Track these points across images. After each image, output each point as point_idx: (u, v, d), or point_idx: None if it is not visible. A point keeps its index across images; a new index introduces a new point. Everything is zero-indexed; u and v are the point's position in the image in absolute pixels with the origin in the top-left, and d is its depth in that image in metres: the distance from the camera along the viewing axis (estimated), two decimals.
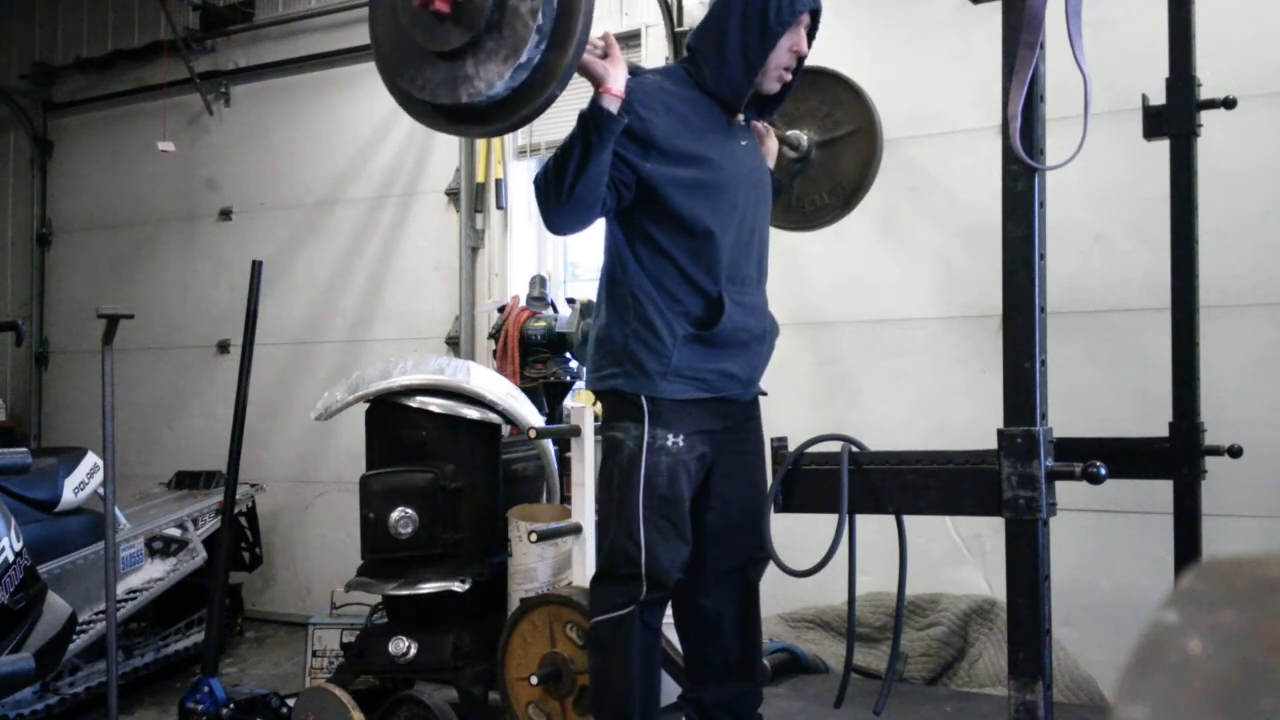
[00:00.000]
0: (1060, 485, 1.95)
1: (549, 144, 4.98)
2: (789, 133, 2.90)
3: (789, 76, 2.51)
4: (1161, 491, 2.91)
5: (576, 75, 2.08)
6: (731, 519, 2.55)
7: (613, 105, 2.20)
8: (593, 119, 2.18)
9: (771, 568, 2.42)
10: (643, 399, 2.40)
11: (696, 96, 2.46)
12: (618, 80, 2.21)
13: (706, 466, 2.51)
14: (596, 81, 2.20)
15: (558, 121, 4.95)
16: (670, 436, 2.40)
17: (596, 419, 2.87)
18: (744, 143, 2.54)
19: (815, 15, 2.48)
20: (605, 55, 2.23)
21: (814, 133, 2.94)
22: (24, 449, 2.50)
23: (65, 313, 6.36)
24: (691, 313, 2.41)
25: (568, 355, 4.27)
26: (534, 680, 2.82)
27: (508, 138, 4.98)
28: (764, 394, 2.65)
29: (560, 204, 2.27)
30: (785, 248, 4.37)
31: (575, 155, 2.19)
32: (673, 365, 2.39)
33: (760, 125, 2.69)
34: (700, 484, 2.51)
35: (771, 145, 2.77)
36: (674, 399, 2.40)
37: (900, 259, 4.13)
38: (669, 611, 2.59)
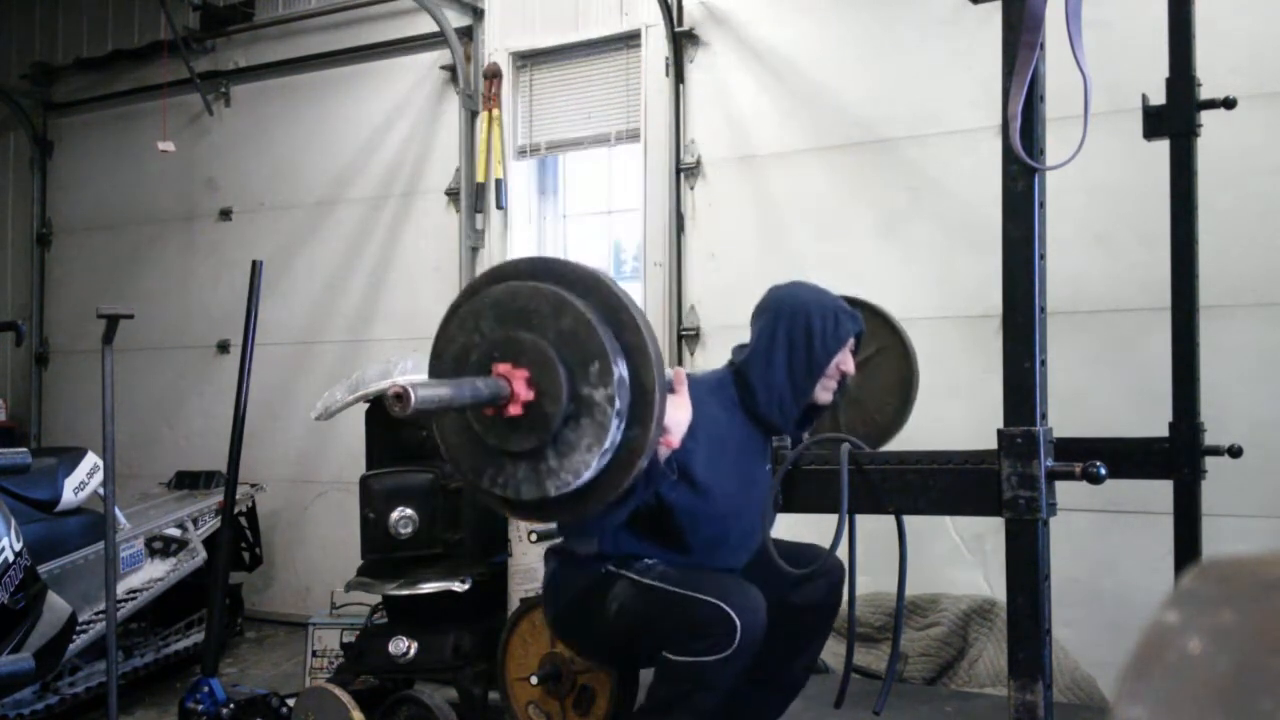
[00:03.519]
0: (1060, 485, 1.95)
1: (549, 144, 4.99)
2: None
3: (834, 386, 2.53)
4: (1161, 491, 2.91)
5: None
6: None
7: (665, 453, 2.16)
8: (646, 470, 2.07)
9: None
10: (607, 570, 2.40)
11: (740, 422, 2.47)
12: (679, 431, 2.16)
13: None
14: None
15: (560, 120, 4.96)
16: (648, 560, 2.40)
17: None
18: (769, 466, 2.52)
19: (859, 336, 2.52)
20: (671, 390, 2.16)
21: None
22: (24, 449, 2.50)
23: (65, 313, 6.36)
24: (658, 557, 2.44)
25: None
26: (534, 680, 2.82)
27: (507, 137, 4.98)
28: None
29: (583, 530, 2.33)
30: (787, 248, 4.38)
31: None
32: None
33: None
34: None
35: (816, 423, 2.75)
36: (637, 557, 2.42)
37: (900, 259, 4.13)
38: None
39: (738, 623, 2.22)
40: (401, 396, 1.51)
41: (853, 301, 2.74)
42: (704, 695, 2.29)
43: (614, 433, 1.75)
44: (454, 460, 1.90)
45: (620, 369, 1.73)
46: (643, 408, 1.77)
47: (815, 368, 2.43)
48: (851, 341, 2.48)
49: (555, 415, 1.73)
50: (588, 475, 1.77)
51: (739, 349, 2.56)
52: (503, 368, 1.72)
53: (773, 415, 2.45)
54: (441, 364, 1.83)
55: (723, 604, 2.24)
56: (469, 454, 1.86)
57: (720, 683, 2.28)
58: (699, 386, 2.33)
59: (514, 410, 1.73)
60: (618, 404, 1.73)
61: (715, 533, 2.41)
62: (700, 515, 2.37)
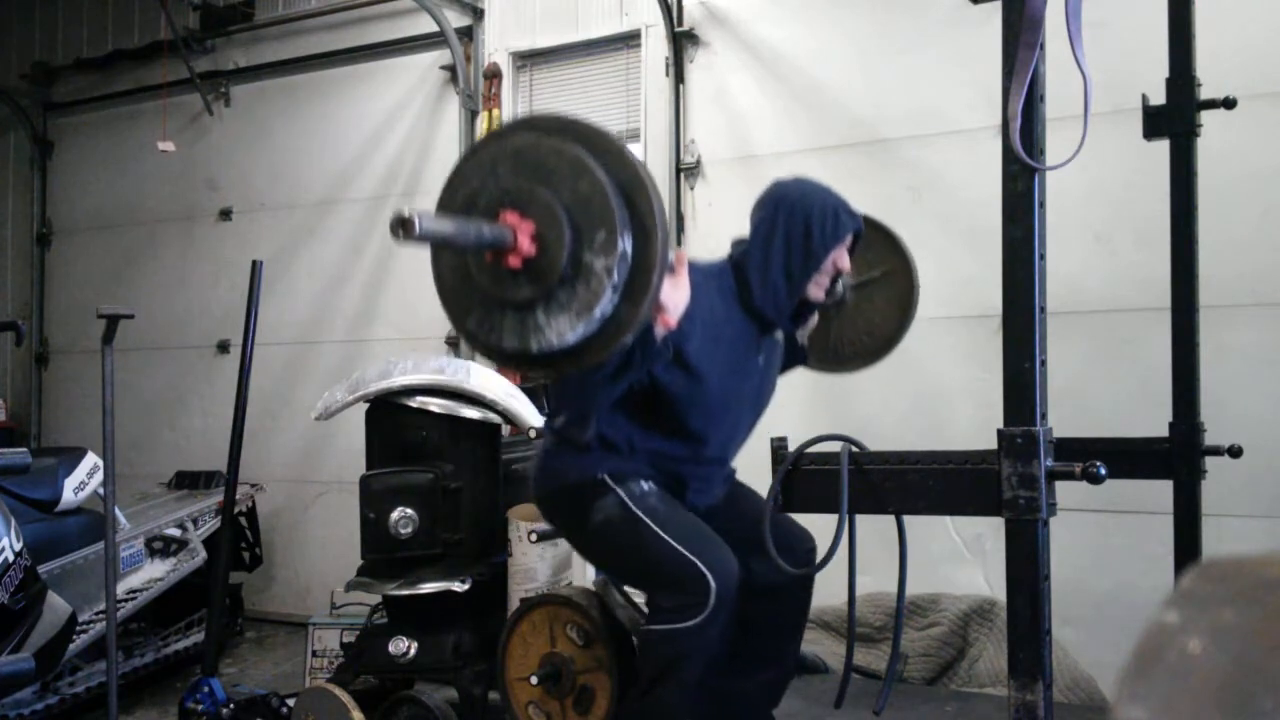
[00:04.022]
0: (1060, 485, 1.95)
1: None
2: None
3: (827, 283, 2.55)
4: (1161, 491, 2.91)
5: None
6: (728, 499, 2.62)
7: (661, 332, 2.16)
8: (640, 343, 2.12)
9: None
10: (601, 475, 2.43)
11: (736, 314, 2.48)
12: (676, 311, 2.14)
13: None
14: (657, 306, 2.10)
15: None
16: (644, 483, 2.43)
17: None
18: (762, 362, 2.55)
19: (858, 234, 2.52)
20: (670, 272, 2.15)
21: (849, 275, 2.88)
22: (24, 449, 2.50)
23: (65, 313, 6.36)
24: (651, 473, 2.47)
25: None
26: (534, 680, 2.82)
27: None
28: None
29: (579, 400, 2.33)
30: None
31: (611, 365, 2.16)
32: (628, 464, 2.45)
33: None
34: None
35: (811, 322, 2.76)
36: (630, 469, 2.45)
37: None
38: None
39: (712, 585, 2.26)
40: (406, 223, 1.50)
41: (866, 221, 2.74)
42: (686, 664, 2.34)
43: (605, 304, 1.76)
44: (444, 297, 1.91)
45: (625, 244, 1.73)
46: (639, 285, 1.77)
47: (812, 262, 2.44)
48: (849, 239, 2.48)
49: (552, 275, 1.74)
50: (571, 339, 1.78)
51: (737, 243, 2.57)
52: (510, 217, 1.72)
53: (767, 308, 2.47)
54: (452, 201, 1.82)
55: (699, 562, 2.28)
56: (459, 294, 1.87)
57: (700, 649, 2.32)
58: (698, 273, 2.34)
59: (513, 262, 1.74)
60: (615, 277, 1.74)
61: (706, 420, 2.44)
62: (693, 401, 2.39)
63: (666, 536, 2.33)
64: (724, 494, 2.67)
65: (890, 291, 2.91)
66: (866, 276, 2.88)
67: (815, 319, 2.76)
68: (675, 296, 2.12)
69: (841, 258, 2.49)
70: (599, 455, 2.46)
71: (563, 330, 1.77)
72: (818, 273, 2.47)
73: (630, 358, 2.13)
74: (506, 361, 1.99)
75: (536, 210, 1.73)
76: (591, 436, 2.45)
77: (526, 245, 1.72)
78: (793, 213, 2.44)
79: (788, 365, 2.76)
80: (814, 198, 2.47)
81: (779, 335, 2.62)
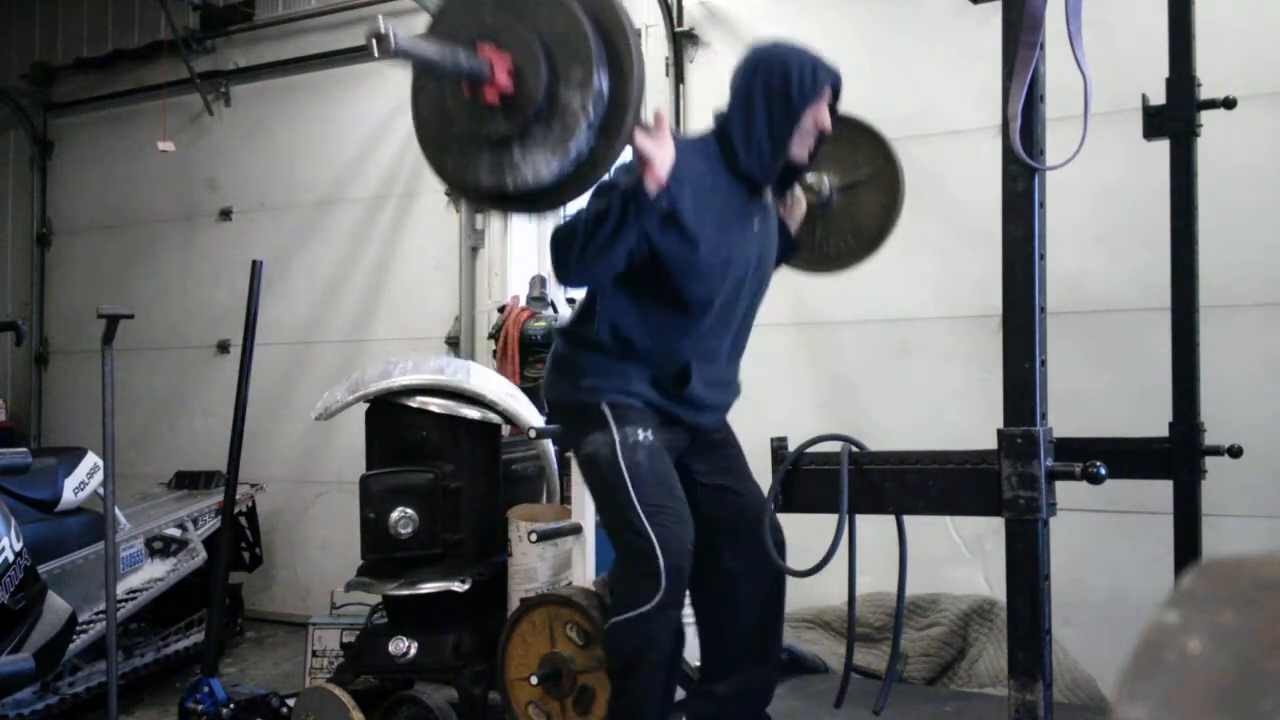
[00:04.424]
0: (1060, 485, 1.95)
1: None
2: (810, 177, 2.88)
3: (811, 144, 2.54)
4: (1161, 491, 2.91)
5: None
6: (720, 479, 2.63)
7: (653, 188, 2.17)
8: (634, 200, 2.17)
9: None
10: (604, 407, 2.44)
11: (724, 179, 2.48)
12: (664, 166, 2.16)
13: (679, 452, 2.58)
14: (644, 162, 2.14)
15: None
16: (640, 432, 2.44)
17: None
18: (757, 227, 2.55)
19: (836, 89, 2.52)
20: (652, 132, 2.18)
21: (835, 177, 2.89)
22: (24, 449, 2.50)
23: (65, 313, 6.36)
24: (654, 373, 2.49)
25: None
26: (534, 680, 2.82)
27: None
28: None
29: (581, 267, 2.32)
30: None
31: (608, 227, 2.19)
32: (634, 390, 2.47)
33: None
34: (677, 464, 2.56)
35: (800, 211, 2.78)
36: (634, 406, 2.47)
37: (900, 259, 4.11)
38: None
39: (661, 563, 2.31)
40: (381, 38, 1.52)
41: (851, 121, 2.76)
42: (654, 649, 2.39)
43: (581, 140, 1.78)
44: (423, 140, 1.94)
45: (601, 81, 1.75)
46: (615, 123, 1.79)
47: (792, 114, 2.44)
48: (828, 93, 2.49)
49: (529, 110, 1.76)
50: (547, 176, 1.80)
51: (719, 114, 2.58)
52: (488, 51, 1.75)
53: (753, 169, 2.47)
54: (435, 37, 1.88)
55: (653, 535, 2.32)
56: (437, 135, 1.90)
57: (664, 629, 2.37)
58: (683, 142, 2.35)
59: (490, 96, 1.75)
60: (591, 114, 1.76)
61: (707, 286, 2.45)
62: (691, 265, 2.39)
63: (635, 497, 2.36)
64: (722, 444, 2.66)
65: (876, 194, 2.93)
66: (853, 179, 2.89)
67: (803, 206, 2.77)
68: (661, 153, 2.14)
69: (822, 114, 2.48)
70: (607, 362, 2.47)
71: (539, 167, 1.79)
72: (799, 129, 2.46)
73: (625, 212, 2.16)
74: (483, 201, 2.03)
75: (514, 45, 1.76)
76: (600, 327, 2.46)
77: (503, 80, 1.74)
78: (771, 70, 2.45)
79: (780, 255, 2.75)
80: (791, 55, 2.48)
81: (770, 201, 2.61)
